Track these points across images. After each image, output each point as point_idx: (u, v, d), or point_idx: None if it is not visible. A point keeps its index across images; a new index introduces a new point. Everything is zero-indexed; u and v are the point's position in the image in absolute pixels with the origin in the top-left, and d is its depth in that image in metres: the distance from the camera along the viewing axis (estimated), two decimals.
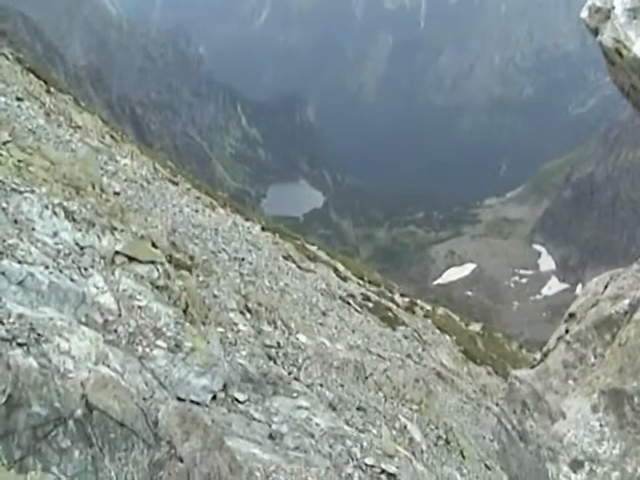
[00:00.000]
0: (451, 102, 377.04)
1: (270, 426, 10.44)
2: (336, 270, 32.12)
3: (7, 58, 23.70)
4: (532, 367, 7.17)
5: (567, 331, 6.76)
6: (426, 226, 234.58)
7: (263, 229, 30.25)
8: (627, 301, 6.27)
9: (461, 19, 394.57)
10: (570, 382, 6.39)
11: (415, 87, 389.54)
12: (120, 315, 9.33)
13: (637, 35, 8.91)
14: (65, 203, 10.96)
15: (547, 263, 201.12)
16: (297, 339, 15.88)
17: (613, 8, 9.07)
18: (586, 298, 6.93)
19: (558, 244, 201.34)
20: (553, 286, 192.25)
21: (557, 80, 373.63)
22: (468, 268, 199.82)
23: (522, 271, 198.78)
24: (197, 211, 24.36)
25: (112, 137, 26.04)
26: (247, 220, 30.15)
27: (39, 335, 6.53)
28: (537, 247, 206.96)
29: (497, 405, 19.97)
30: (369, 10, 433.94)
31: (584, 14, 9.67)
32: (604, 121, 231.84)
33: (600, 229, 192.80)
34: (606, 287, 6.81)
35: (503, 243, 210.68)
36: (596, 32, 9.59)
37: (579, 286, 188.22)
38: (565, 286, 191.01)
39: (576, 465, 5.38)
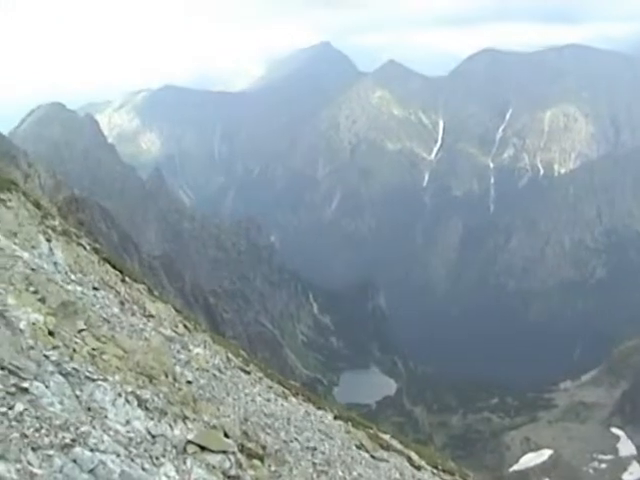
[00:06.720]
0: (522, 286, 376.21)
1: None
2: (410, 459, 31.30)
3: (85, 248, 24.47)
4: None
5: None
6: (500, 412, 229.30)
7: (335, 418, 29.83)
8: None
9: (530, 202, 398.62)
10: None
11: (486, 272, 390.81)
12: None
13: None
14: (138, 391, 11.00)
15: (627, 448, 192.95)
16: None
17: None
18: None
19: (637, 428, 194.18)
20: (635, 472, 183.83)
21: (628, 260, 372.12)
22: (545, 454, 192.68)
23: (601, 456, 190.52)
24: (269, 400, 24.20)
25: (185, 326, 26.31)
26: (319, 409, 29.81)
27: None
28: (616, 431, 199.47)
29: None
30: (438, 197, 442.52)
31: None
32: None
33: None
34: None
35: (580, 428, 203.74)
36: None
37: None
38: None
39: None
